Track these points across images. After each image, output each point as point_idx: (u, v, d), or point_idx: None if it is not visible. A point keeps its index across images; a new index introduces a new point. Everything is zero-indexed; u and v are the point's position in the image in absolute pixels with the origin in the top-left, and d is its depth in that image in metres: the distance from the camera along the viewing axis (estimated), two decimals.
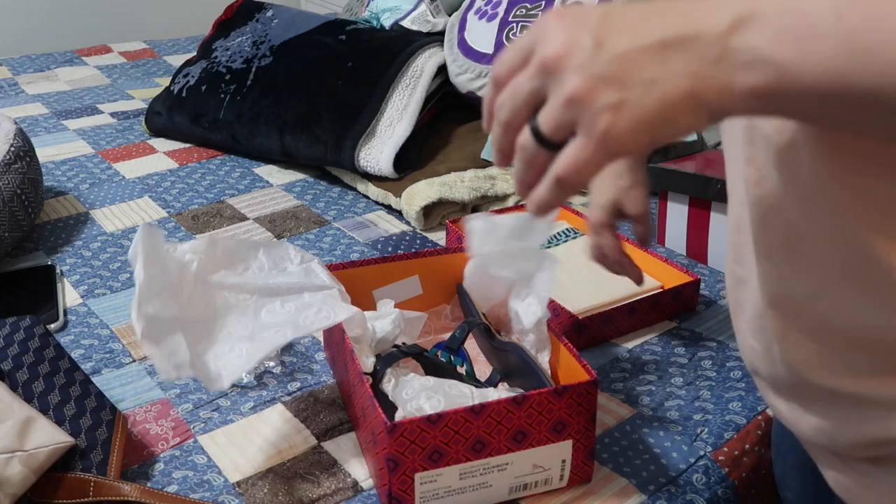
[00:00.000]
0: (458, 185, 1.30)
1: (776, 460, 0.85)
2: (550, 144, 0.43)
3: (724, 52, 0.39)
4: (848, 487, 0.61)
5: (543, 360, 0.83)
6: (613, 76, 0.40)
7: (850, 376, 0.54)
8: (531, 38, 0.44)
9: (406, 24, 1.69)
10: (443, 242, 1.24)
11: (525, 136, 0.45)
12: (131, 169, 1.52)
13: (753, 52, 0.39)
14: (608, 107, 0.40)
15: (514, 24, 1.42)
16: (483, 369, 0.90)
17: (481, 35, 1.46)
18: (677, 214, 1.17)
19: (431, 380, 0.77)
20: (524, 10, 1.42)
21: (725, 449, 0.84)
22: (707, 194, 1.12)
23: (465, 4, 1.56)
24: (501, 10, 1.46)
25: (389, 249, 1.22)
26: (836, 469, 0.62)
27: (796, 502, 0.82)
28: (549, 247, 1.15)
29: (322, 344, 1.00)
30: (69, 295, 1.11)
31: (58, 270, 1.15)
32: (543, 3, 1.41)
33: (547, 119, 0.43)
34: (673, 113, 0.41)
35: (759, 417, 0.87)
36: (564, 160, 0.43)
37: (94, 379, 0.92)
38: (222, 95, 1.56)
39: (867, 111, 0.39)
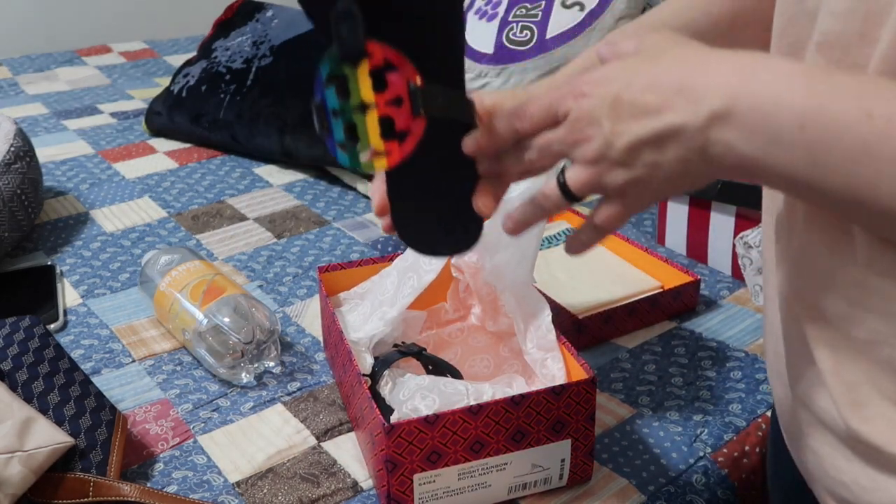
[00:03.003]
0: None
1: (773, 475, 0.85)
2: (573, 198, 0.54)
3: (705, 143, 0.47)
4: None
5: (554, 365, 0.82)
6: (625, 161, 0.50)
7: None
8: (564, 103, 0.52)
9: None
10: None
11: (551, 189, 0.55)
12: (131, 169, 1.52)
13: (727, 144, 0.46)
14: (623, 184, 0.51)
15: (514, 24, 1.42)
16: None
17: (481, 35, 1.46)
18: (677, 214, 1.17)
19: (427, 379, 0.77)
20: (524, 10, 1.42)
21: (725, 450, 0.84)
22: (707, 194, 1.12)
23: (464, 4, 1.57)
24: (501, 10, 1.46)
25: (389, 249, 1.22)
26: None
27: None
28: (549, 247, 1.15)
29: (322, 344, 1.00)
30: (69, 295, 1.11)
31: (58, 270, 1.15)
32: (543, 2, 1.41)
33: (576, 182, 0.53)
34: (673, 184, 0.51)
35: (759, 420, 0.87)
36: (602, 214, 0.54)
37: (94, 379, 0.92)
38: (222, 95, 1.56)
39: (836, 206, 0.44)
